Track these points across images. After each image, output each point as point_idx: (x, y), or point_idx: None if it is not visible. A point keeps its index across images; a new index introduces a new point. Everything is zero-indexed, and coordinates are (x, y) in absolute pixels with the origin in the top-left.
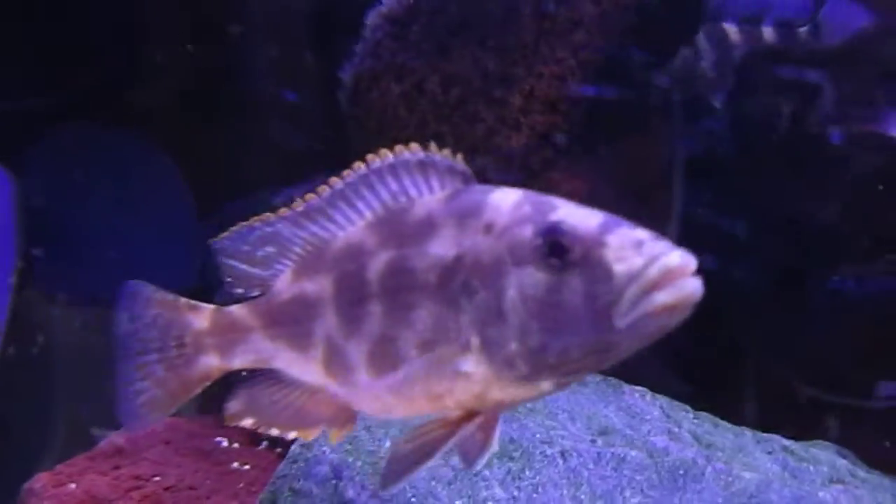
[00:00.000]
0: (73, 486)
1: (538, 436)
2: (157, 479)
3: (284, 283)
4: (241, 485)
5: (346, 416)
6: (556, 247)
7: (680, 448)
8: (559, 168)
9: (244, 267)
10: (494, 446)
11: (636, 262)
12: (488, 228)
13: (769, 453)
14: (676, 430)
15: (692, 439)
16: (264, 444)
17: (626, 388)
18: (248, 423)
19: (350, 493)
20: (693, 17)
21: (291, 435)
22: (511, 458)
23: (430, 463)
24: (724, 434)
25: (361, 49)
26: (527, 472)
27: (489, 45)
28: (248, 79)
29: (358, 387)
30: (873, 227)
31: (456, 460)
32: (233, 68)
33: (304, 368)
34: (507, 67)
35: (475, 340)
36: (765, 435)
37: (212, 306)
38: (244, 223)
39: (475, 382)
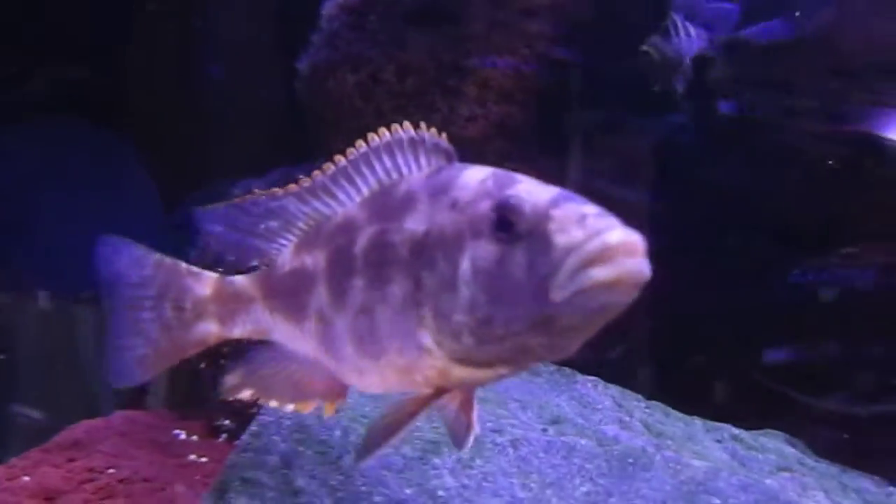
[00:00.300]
0: (26, 478)
1: (489, 424)
2: (111, 471)
3: (287, 257)
4: (198, 477)
5: (339, 389)
6: (504, 220)
7: (630, 437)
8: (514, 158)
9: (243, 238)
10: (476, 427)
11: (577, 235)
12: (454, 204)
13: (719, 442)
14: (627, 419)
15: (643, 428)
16: (223, 436)
17: (579, 377)
18: (246, 395)
19: (300, 482)
20: (654, 11)
21: (289, 408)
22: None
23: (400, 437)
24: (675, 423)
25: (318, 39)
26: (477, 461)
27: (444, 35)
28: (209, 71)
29: (344, 360)
30: (827, 221)
31: (407, 449)
32: (194, 61)
33: (300, 341)
34: (462, 57)
35: (430, 313)
36: (715, 424)
37: (214, 274)
38: (248, 196)
39: (437, 358)
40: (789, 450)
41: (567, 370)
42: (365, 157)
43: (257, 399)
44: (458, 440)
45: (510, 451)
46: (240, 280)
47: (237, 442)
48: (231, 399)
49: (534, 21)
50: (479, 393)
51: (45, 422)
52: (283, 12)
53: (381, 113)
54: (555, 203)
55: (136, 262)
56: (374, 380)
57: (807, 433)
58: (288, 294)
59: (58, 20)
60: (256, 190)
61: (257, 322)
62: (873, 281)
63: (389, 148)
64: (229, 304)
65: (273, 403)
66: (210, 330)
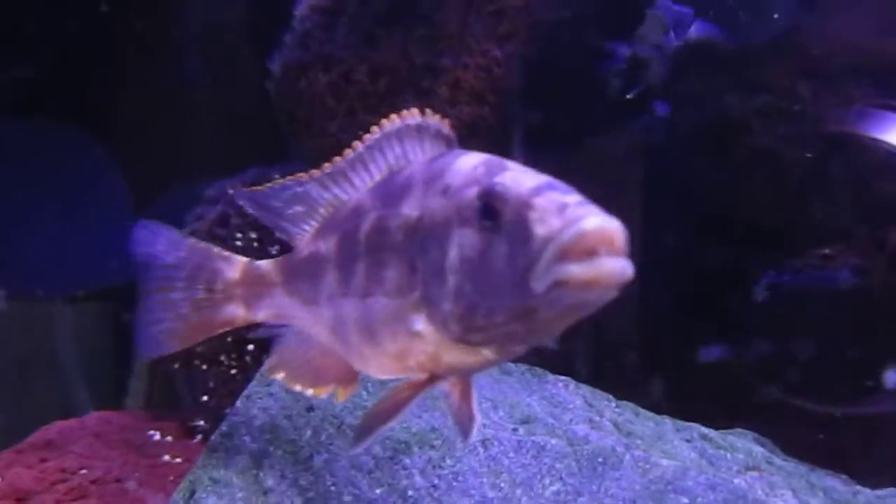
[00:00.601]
0: None
1: None
2: (83, 471)
3: (305, 242)
4: (171, 478)
5: (351, 375)
6: (489, 207)
7: (600, 436)
8: None
9: (275, 221)
10: (478, 418)
11: (555, 224)
12: (445, 190)
13: (688, 441)
14: (598, 418)
15: (613, 428)
16: (198, 437)
17: (550, 377)
18: (280, 377)
19: (270, 482)
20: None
21: (309, 392)
22: (432, 447)
23: (395, 422)
24: (645, 423)
25: (290, 39)
26: (447, 461)
27: (416, 36)
28: (181, 72)
29: (350, 346)
30: (803, 223)
31: (377, 449)
32: (164, 59)
33: (316, 327)
34: (434, 58)
35: (420, 299)
36: (685, 423)
37: (244, 258)
38: (278, 180)
39: (428, 343)
40: (758, 449)
41: (538, 370)
42: (378, 143)
43: (288, 382)
44: (463, 431)
45: (480, 450)
46: (264, 265)
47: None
48: (272, 378)
49: (505, 22)
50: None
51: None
52: (256, 12)
53: (353, 113)
54: (537, 191)
55: (171, 244)
56: (374, 365)
57: (776, 432)
58: (305, 279)
59: (26, 21)
60: (228, 186)
61: (279, 307)
62: (843, 282)
63: (399, 134)
64: (255, 287)
65: (297, 388)
66: (237, 312)
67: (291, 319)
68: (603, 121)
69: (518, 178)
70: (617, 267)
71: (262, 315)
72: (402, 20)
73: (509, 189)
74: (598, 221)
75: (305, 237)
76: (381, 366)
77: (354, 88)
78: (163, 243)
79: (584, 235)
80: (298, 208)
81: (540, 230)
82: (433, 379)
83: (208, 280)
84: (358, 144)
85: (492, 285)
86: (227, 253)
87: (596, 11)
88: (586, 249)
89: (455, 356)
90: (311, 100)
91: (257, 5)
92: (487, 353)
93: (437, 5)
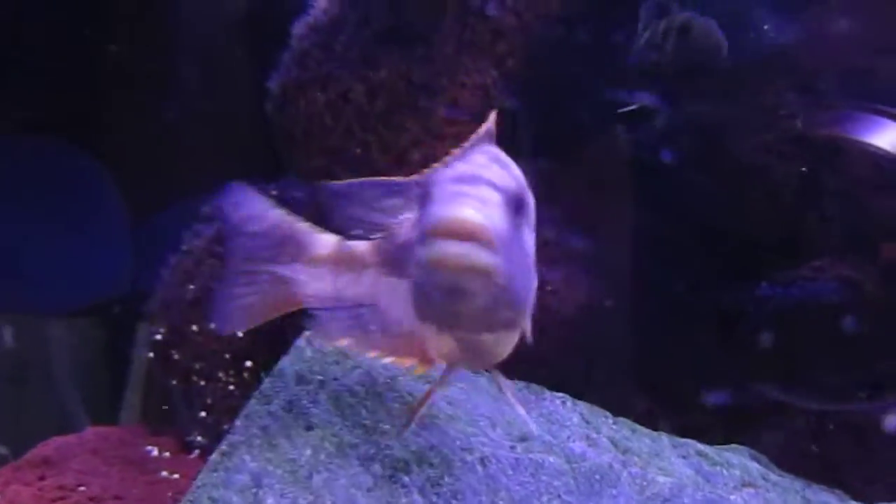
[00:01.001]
0: None
1: (458, 442)
2: (82, 488)
3: (403, 229)
4: (170, 494)
5: (429, 356)
6: (421, 195)
7: (597, 454)
8: None
9: (366, 212)
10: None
11: (433, 212)
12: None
13: (684, 458)
14: (595, 435)
15: (610, 445)
16: (196, 452)
17: (548, 394)
18: (342, 343)
19: (269, 501)
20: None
21: (387, 360)
22: (431, 465)
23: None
24: (642, 439)
25: (288, 58)
26: (446, 479)
27: (414, 56)
28: (178, 88)
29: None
30: (795, 235)
31: (376, 467)
32: (162, 77)
33: (401, 310)
34: (431, 78)
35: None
36: (681, 440)
37: (334, 236)
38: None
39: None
40: (753, 465)
41: (536, 387)
42: (472, 144)
43: (352, 349)
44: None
45: (479, 468)
46: (359, 245)
47: (207, 460)
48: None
49: (503, 41)
50: (448, 411)
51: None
52: (254, 31)
53: (350, 132)
54: (447, 180)
55: (259, 214)
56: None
57: (771, 448)
58: (397, 264)
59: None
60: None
61: (368, 286)
62: (834, 294)
63: (485, 136)
64: (344, 266)
65: (371, 355)
66: (323, 289)
67: (378, 300)
68: (598, 135)
69: (457, 166)
70: (459, 251)
71: (349, 294)
72: (399, 40)
73: (429, 179)
74: (455, 211)
75: (404, 224)
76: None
77: (352, 107)
78: (250, 212)
79: (440, 221)
80: (396, 201)
81: (424, 219)
82: (429, 362)
83: (293, 254)
84: (455, 151)
85: (416, 267)
86: (317, 228)
87: (591, 28)
88: (438, 234)
89: (433, 342)
90: (309, 118)
91: (256, 24)
92: (449, 338)
93: (434, 25)
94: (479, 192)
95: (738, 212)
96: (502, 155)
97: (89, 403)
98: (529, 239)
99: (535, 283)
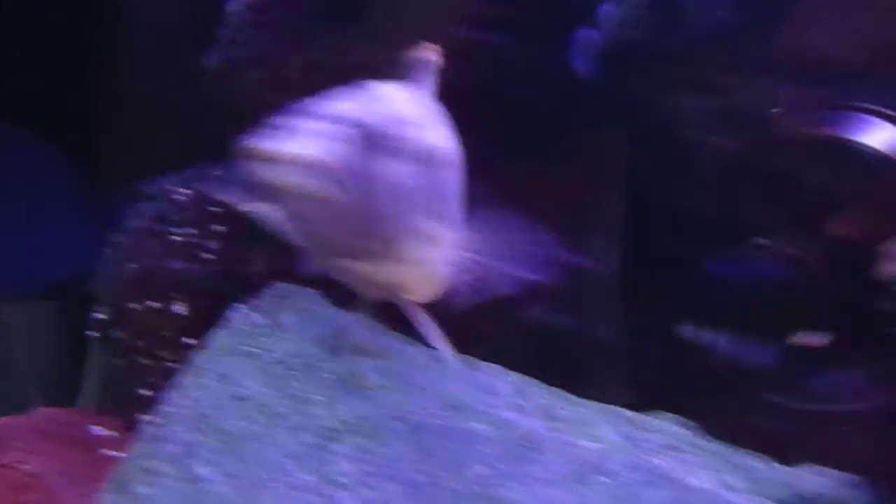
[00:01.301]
0: None
1: (389, 411)
2: (25, 466)
3: None
4: (112, 470)
5: None
6: None
7: (528, 421)
8: None
9: None
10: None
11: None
12: None
13: (613, 425)
14: (526, 405)
15: (541, 413)
16: None
17: (482, 365)
18: None
19: (200, 471)
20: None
21: None
22: (361, 434)
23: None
24: (572, 407)
25: (223, 36)
26: (376, 447)
27: (350, 32)
28: (127, 69)
29: None
30: (739, 211)
31: (307, 436)
32: (113, 57)
33: None
34: (369, 54)
35: None
36: (611, 407)
37: None
38: None
39: None
40: (682, 431)
41: (469, 357)
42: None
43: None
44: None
45: (409, 436)
46: None
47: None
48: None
49: (432, 18)
50: (380, 381)
51: None
52: (193, 9)
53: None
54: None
55: None
56: None
57: (702, 417)
58: None
59: None
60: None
61: None
62: (777, 271)
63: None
64: None
65: None
66: None
67: None
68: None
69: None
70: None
71: None
72: (336, 17)
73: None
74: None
75: None
76: None
77: (287, 84)
78: None
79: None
80: None
81: None
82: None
83: None
84: None
85: None
86: None
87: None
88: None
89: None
90: (245, 96)
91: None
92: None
93: (370, 2)
94: (314, 125)
95: (680, 188)
96: (392, 91)
97: (46, 388)
98: (409, 175)
99: (436, 221)
